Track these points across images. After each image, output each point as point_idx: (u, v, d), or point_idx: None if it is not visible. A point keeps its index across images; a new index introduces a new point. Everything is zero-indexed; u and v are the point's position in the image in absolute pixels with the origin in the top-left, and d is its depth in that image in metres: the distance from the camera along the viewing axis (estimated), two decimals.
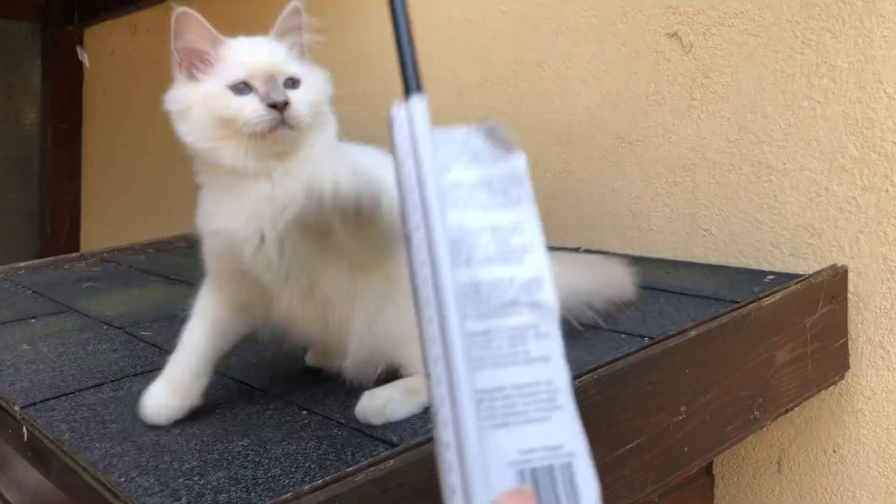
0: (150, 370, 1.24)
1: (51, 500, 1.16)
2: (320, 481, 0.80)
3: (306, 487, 0.80)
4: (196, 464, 0.93)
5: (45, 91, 4.62)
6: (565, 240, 2.08)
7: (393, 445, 0.93)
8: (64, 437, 1.02)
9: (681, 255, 1.84)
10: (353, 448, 0.95)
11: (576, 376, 1.03)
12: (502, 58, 2.23)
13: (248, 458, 0.94)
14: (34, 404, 1.15)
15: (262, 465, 0.92)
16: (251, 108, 1.00)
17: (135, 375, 1.25)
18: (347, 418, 1.04)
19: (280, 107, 1.00)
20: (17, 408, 1.13)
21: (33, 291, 1.92)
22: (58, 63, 4.59)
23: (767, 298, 1.33)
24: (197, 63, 1.05)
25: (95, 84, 4.56)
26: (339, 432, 1.00)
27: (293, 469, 0.90)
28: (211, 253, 1.11)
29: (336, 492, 0.79)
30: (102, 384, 1.22)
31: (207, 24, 1.05)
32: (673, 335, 1.17)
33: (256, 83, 1.02)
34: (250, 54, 1.05)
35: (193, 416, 1.06)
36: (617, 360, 1.09)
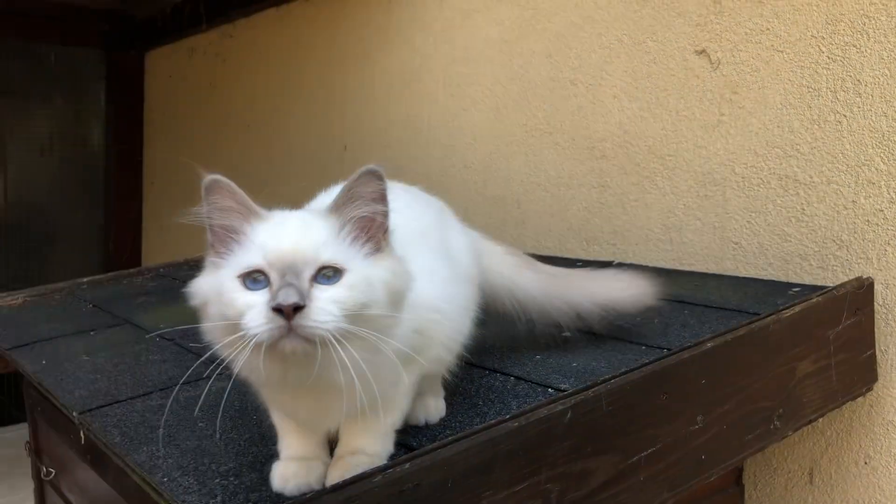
0: (196, 379, 1.33)
1: (107, 500, 1.26)
2: (340, 482, 0.87)
3: (327, 487, 0.87)
4: (232, 465, 1.01)
5: (109, 114, 4.84)
6: (600, 253, 2.13)
7: (411, 449, 1.00)
8: (115, 441, 1.11)
9: (712, 268, 1.87)
10: None
11: (589, 387, 1.08)
12: (538, 76, 2.29)
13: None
14: (90, 410, 1.25)
15: None
16: (255, 311, 0.78)
17: (182, 384, 1.35)
18: None
19: (287, 311, 0.76)
20: (74, 413, 1.23)
21: (94, 305, 2.04)
22: (121, 87, 4.80)
23: (787, 311, 1.35)
24: (227, 241, 0.84)
25: (155, 107, 4.76)
26: None
27: None
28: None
29: (355, 491, 0.86)
30: (152, 392, 1.32)
31: (241, 193, 0.85)
32: (688, 347, 1.21)
33: (273, 274, 0.79)
34: (275, 234, 0.82)
35: (232, 423, 1.15)
36: (631, 371, 1.14)
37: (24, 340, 1.76)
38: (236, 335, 0.78)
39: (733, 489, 1.67)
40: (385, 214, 0.86)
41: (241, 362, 0.80)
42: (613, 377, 1.12)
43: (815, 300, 1.41)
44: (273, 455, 1.03)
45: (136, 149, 4.90)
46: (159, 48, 4.60)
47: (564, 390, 1.13)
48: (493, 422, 0.98)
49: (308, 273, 0.79)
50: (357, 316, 0.79)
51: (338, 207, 0.85)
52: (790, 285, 1.65)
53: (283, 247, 0.80)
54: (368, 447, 0.96)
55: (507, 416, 1.00)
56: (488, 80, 2.45)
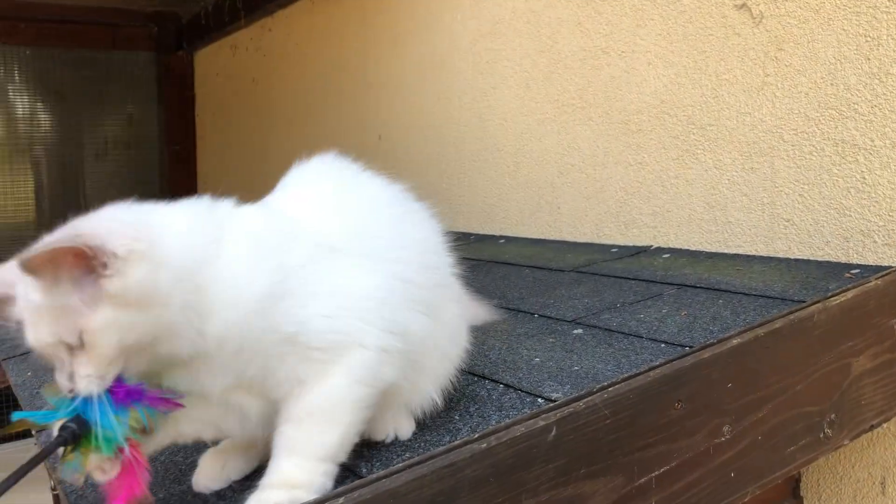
0: None
1: None
2: None
3: None
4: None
5: (161, 115, 4.85)
6: (639, 238, 1.93)
7: (359, 477, 0.85)
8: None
9: (761, 250, 1.65)
10: None
11: (580, 397, 0.91)
12: (567, 47, 2.10)
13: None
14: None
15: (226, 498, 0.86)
16: None
17: None
18: None
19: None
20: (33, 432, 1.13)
21: None
22: (172, 88, 4.81)
23: (837, 298, 1.14)
24: None
25: (205, 106, 4.74)
26: None
27: None
28: None
29: None
30: None
31: None
32: (710, 345, 1.02)
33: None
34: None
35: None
36: (635, 375, 0.96)
37: (13, 353, 1.69)
38: None
39: (788, 501, 1.46)
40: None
41: None
42: (612, 384, 0.94)
43: (872, 283, 1.20)
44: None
45: (189, 149, 4.91)
46: (206, 47, 4.57)
47: (555, 400, 0.96)
48: (456, 443, 0.82)
49: (67, 354, 0.75)
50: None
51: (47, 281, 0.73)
52: (849, 266, 1.42)
53: (34, 339, 0.75)
54: (294, 475, 0.80)
55: (475, 436, 0.84)
56: (517, 54, 2.27)
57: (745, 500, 1.09)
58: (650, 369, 0.98)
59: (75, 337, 0.72)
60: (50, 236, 0.73)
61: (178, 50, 4.74)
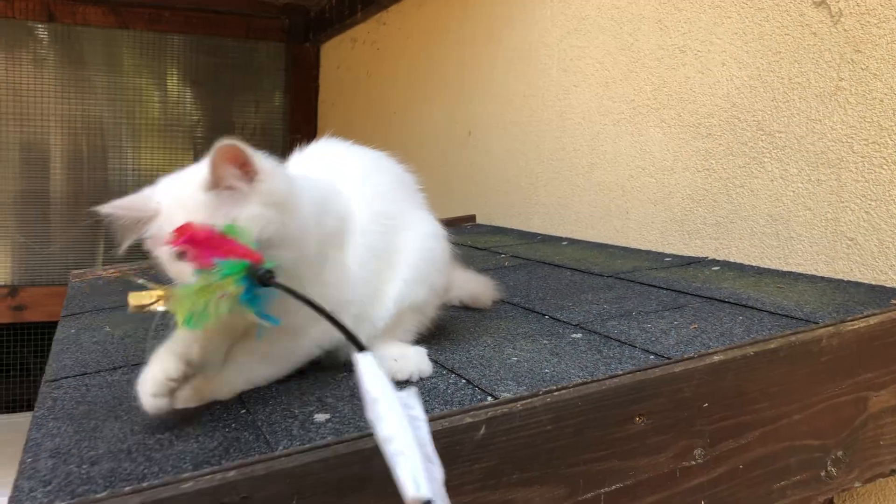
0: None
1: None
2: (144, 485, 0.73)
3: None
4: (103, 452, 0.91)
5: (286, 105, 5.04)
6: (701, 249, 1.81)
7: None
8: (41, 413, 1.05)
9: (821, 269, 1.51)
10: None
11: (524, 397, 0.86)
12: (646, 45, 2.00)
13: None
14: (56, 380, 1.21)
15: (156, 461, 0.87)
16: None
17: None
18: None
19: None
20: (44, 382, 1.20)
21: None
22: (297, 79, 4.99)
23: (855, 323, 1.03)
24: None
25: (326, 97, 4.89)
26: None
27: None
28: None
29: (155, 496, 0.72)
30: (122, 367, 1.26)
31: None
32: (684, 359, 0.94)
33: None
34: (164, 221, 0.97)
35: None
36: (588, 383, 0.89)
37: (83, 309, 1.80)
38: None
39: None
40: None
41: None
42: (558, 389, 0.88)
43: None
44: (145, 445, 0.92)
45: (310, 139, 5.06)
46: (330, 40, 4.71)
47: (511, 398, 0.91)
48: (370, 431, 0.80)
49: None
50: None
51: (210, 182, 0.92)
52: None
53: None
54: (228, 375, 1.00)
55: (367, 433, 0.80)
56: (599, 52, 2.19)
57: None
58: (608, 378, 0.91)
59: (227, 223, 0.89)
60: (210, 156, 0.90)
61: (305, 42, 4.91)
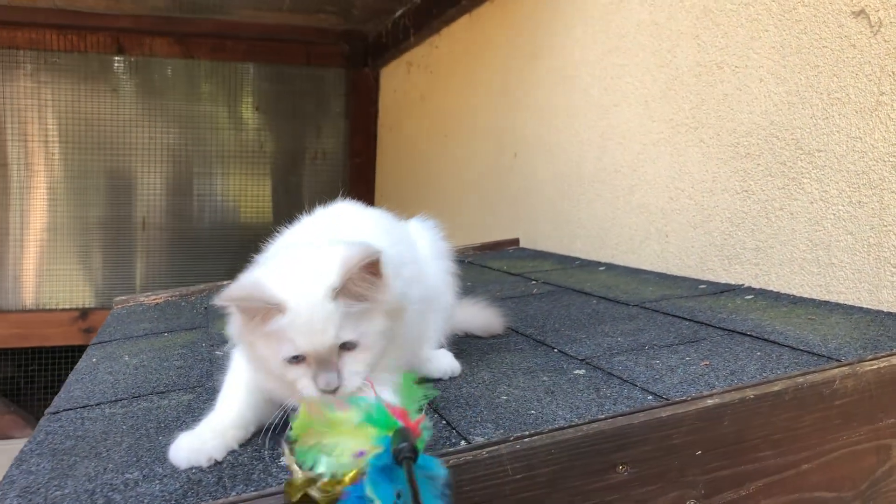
0: (168, 390, 1.25)
1: None
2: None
3: None
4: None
5: (346, 129, 5.09)
6: (740, 276, 1.71)
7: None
8: (30, 448, 1.04)
9: (864, 300, 1.39)
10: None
11: (491, 444, 0.80)
12: (685, 61, 1.92)
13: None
14: (57, 412, 1.22)
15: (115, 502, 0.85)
16: (305, 381, 0.91)
17: (152, 395, 1.27)
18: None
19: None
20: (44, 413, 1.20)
21: (205, 308, 2.07)
22: (357, 103, 5.03)
23: (876, 363, 0.93)
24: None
25: (385, 122, 4.91)
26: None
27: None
28: None
29: None
30: (123, 399, 1.25)
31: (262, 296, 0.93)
32: (677, 402, 0.87)
33: (309, 359, 0.91)
34: (302, 331, 0.91)
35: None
36: (562, 429, 0.83)
37: (112, 337, 1.82)
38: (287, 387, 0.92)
39: None
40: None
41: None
42: (528, 435, 0.82)
43: None
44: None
45: (369, 162, 5.10)
46: (388, 65, 4.74)
47: (470, 443, 0.85)
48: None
49: (335, 355, 0.89)
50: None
51: (342, 290, 0.89)
52: None
53: (315, 342, 0.88)
54: None
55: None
56: (639, 69, 2.11)
57: None
58: (586, 423, 0.85)
59: (356, 338, 0.89)
60: (345, 259, 0.89)
61: (364, 67, 4.96)
